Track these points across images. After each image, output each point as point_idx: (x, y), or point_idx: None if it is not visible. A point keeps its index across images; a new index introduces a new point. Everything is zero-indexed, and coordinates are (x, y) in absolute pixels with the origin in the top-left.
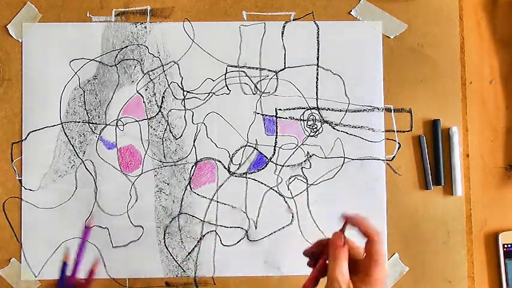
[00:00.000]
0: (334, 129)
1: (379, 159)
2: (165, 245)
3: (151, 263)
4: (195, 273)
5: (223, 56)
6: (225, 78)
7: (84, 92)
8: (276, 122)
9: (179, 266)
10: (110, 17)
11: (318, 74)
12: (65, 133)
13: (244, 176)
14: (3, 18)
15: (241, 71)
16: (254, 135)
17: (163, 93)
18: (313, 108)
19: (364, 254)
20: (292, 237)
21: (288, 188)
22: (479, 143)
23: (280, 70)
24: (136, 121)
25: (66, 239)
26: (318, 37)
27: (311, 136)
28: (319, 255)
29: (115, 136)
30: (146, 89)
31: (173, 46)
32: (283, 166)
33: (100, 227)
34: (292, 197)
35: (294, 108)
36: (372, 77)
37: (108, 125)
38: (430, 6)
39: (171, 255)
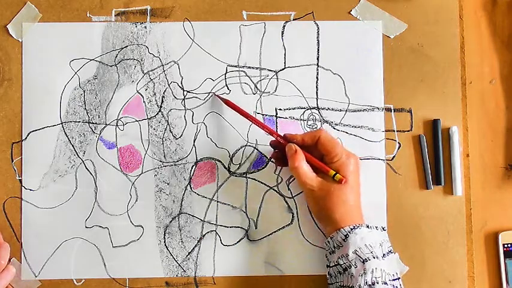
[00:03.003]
0: (334, 129)
1: (379, 159)
2: (165, 245)
3: (151, 263)
4: (195, 273)
5: (223, 56)
6: (225, 78)
7: (84, 92)
8: (276, 122)
9: (179, 266)
10: (109, 17)
11: (318, 74)
12: (65, 133)
13: (244, 176)
14: (3, 18)
15: (241, 70)
16: (254, 135)
17: (163, 93)
18: (313, 108)
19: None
20: (292, 237)
21: (288, 188)
22: (479, 143)
23: (280, 70)
24: (137, 121)
25: (66, 239)
26: (318, 37)
27: None
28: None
29: (115, 136)
30: (146, 89)
31: (173, 46)
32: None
33: (100, 227)
34: (292, 197)
35: (294, 108)
36: (372, 77)
37: (108, 124)
38: (430, 6)
39: (171, 255)
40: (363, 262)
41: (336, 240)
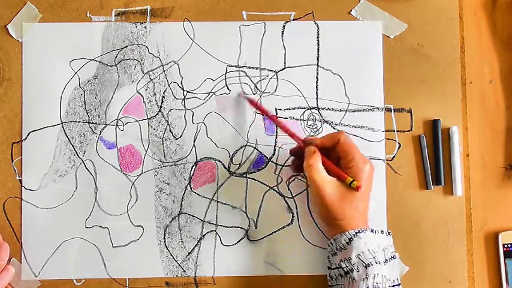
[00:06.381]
0: (334, 129)
1: (379, 159)
2: (165, 245)
3: (151, 263)
4: (195, 273)
5: (223, 56)
6: (225, 78)
7: (84, 92)
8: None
9: (179, 266)
10: (110, 17)
11: (318, 74)
12: (65, 133)
13: (244, 176)
14: (3, 18)
15: (241, 70)
16: (254, 135)
17: (163, 93)
18: (313, 108)
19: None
20: (292, 237)
21: (288, 188)
22: (479, 143)
23: (280, 70)
24: (137, 121)
25: (66, 239)
26: (318, 37)
27: (311, 136)
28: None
29: (115, 136)
30: (146, 89)
31: (173, 46)
32: (283, 166)
33: (100, 227)
34: (292, 197)
35: (294, 108)
36: (372, 77)
37: (108, 125)
38: (430, 6)
39: (171, 255)
40: (366, 267)
41: (339, 242)
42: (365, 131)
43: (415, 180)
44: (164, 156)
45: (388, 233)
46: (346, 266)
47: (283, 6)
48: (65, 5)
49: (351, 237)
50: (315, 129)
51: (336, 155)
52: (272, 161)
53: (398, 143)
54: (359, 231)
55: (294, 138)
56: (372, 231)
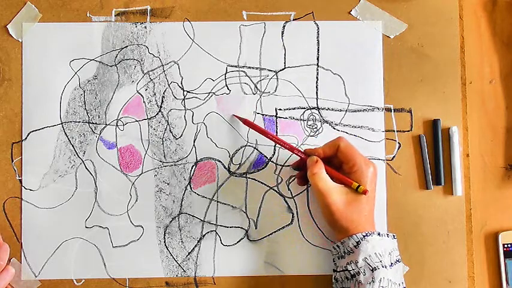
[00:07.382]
0: (334, 129)
1: (379, 159)
2: (165, 245)
3: (151, 263)
4: (195, 273)
5: (223, 56)
6: (225, 78)
7: (84, 92)
8: (276, 122)
9: (179, 266)
10: (110, 17)
11: (318, 74)
12: (65, 133)
13: (244, 176)
14: (3, 18)
15: (241, 70)
16: (254, 135)
17: (163, 93)
18: (313, 108)
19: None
20: (292, 237)
21: (288, 188)
22: (479, 143)
23: (280, 70)
24: (137, 121)
25: (66, 239)
26: (318, 37)
27: (311, 136)
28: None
29: (115, 136)
30: (146, 89)
31: (173, 46)
32: (283, 166)
33: (100, 227)
34: (292, 197)
35: (294, 108)
36: (372, 77)
37: (108, 125)
38: (430, 6)
39: (171, 255)
40: (372, 270)
41: (346, 245)
42: (365, 131)
43: (415, 180)
44: (164, 156)
45: (393, 236)
46: (353, 269)
47: (283, 6)
48: (65, 5)
49: (359, 241)
50: (315, 129)
51: (337, 162)
52: (272, 161)
53: (398, 143)
54: (366, 235)
55: (295, 151)
56: (379, 234)
